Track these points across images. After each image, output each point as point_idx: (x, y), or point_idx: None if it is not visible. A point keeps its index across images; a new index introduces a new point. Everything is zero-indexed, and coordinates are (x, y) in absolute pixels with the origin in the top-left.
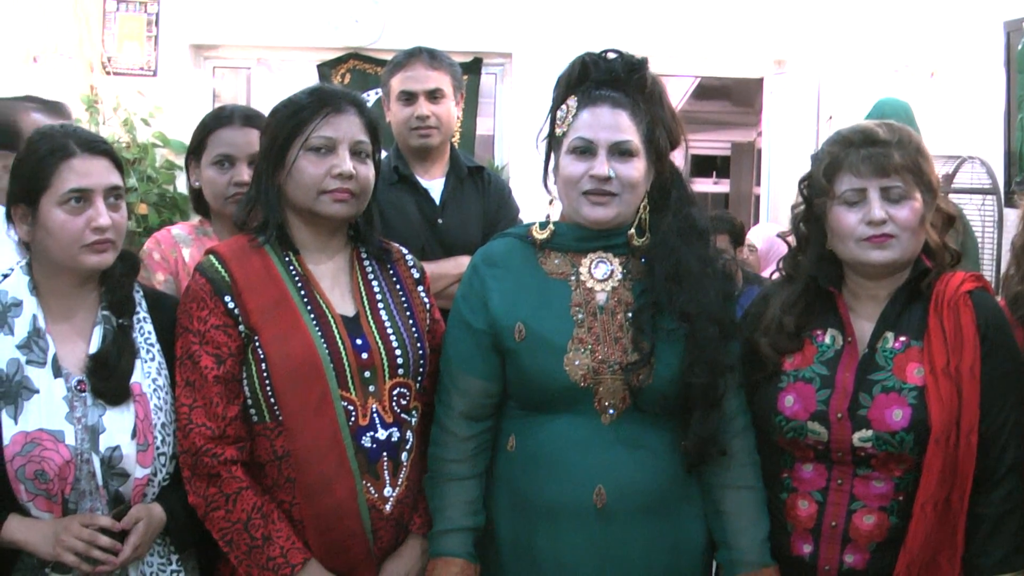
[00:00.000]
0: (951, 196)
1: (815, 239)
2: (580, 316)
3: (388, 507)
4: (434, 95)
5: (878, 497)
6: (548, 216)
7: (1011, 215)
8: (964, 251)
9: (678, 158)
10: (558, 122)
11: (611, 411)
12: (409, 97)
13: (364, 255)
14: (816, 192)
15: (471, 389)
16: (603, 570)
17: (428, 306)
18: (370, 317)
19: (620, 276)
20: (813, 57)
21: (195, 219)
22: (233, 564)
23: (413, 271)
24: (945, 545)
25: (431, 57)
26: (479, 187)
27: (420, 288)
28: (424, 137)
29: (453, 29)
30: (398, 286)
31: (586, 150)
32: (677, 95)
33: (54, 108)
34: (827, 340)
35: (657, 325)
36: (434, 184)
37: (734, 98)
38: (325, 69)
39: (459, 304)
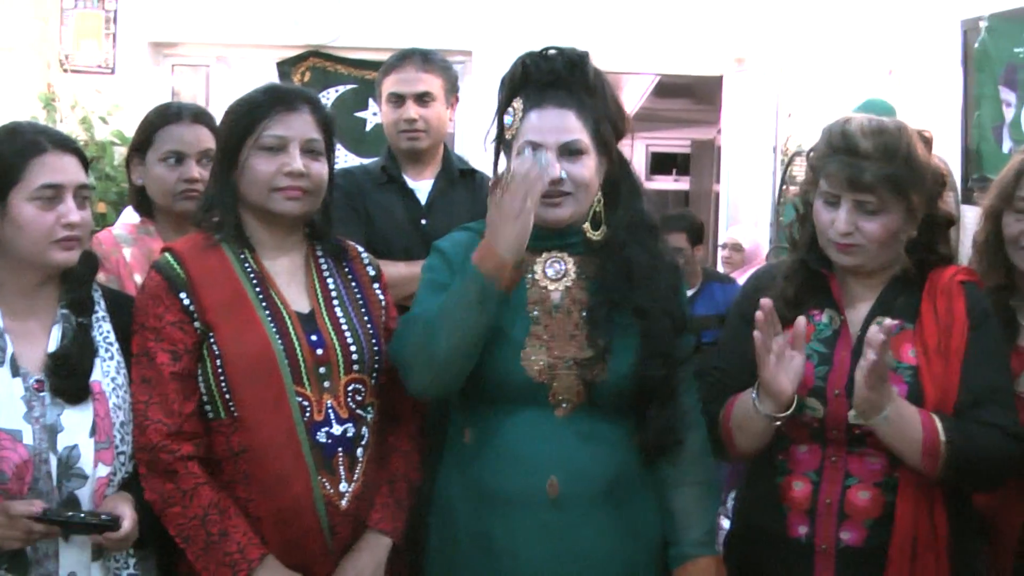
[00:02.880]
0: None
1: (810, 219)
2: (536, 314)
3: (344, 503)
4: (423, 98)
5: (872, 473)
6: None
7: (968, 211)
8: None
9: (639, 155)
10: (506, 125)
11: (564, 404)
12: (398, 99)
13: (320, 253)
14: (809, 178)
15: None
16: (557, 559)
17: (384, 303)
18: (325, 314)
19: (574, 275)
20: (772, 55)
21: (136, 219)
22: (191, 561)
23: (369, 269)
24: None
25: (423, 59)
26: (470, 189)
27: (376, 286)
28: (412, 140)
29: (413, 27)
30: (354, 283)
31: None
32: (638, 93)
33: None
34: (824, 319)
35: (611, 321)
36: (422, 185)
37: (694, 96)
38: (285, 67)
39: (426, 275)
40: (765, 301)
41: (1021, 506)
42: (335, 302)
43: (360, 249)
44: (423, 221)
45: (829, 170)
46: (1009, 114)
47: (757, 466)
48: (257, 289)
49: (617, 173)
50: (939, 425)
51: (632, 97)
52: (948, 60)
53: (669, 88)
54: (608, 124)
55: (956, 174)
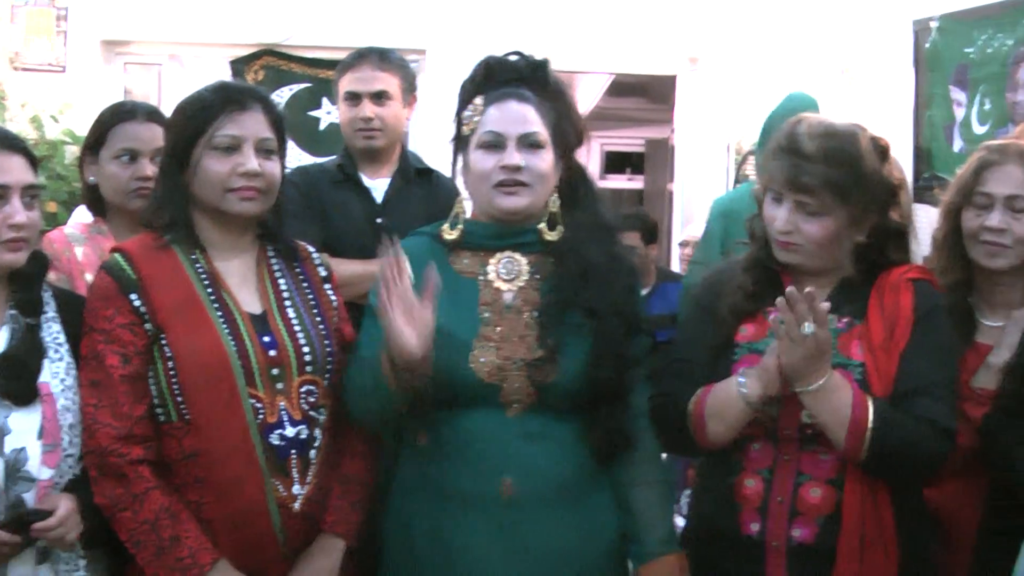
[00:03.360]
0: None
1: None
2: (487, 315)
3: (297, 505)
4: (380, 97)
5: (824, 471)
6: (458, 216)
7: (920, 210)
8: None
9: (593, 154)
10: (465, 121)
11: (515, 404)
12: (355, 98)
13: (271, 253)
14: (759, 174)
15: None
16: (512, 558)
17: (336, 304)
18: (278, 315)
19: (527, 275)
20: (726, 54)
21: (89, 218)
22: (141, 567)
23: (320, 269)
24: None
25: (380, 58)
26: (426, 189)
27: (327, 286)
28: (368, 139)
29: (366, 25)
30: (305, 284)
31: (495, 144)
32: (592, 92)
33: None
34: (778, 303)
35: (564, 321)
36: (378, 184)
37: (649, 95)
38: (238, 65)
39: (372, 299)
40: (791, 290)
41: (976, 504)
42: (287, 303)
43: (311, 250)
44: (379, 220)
45: (772, 168)
46: (960, 114)
47: (710, 464)
48: (209, 290)
49: (575, 177)
50: (870, 409)
51: (586, 96)
52: (900, 60)
53: (623, 87)
54: (568, 126)
55: (908, 173)
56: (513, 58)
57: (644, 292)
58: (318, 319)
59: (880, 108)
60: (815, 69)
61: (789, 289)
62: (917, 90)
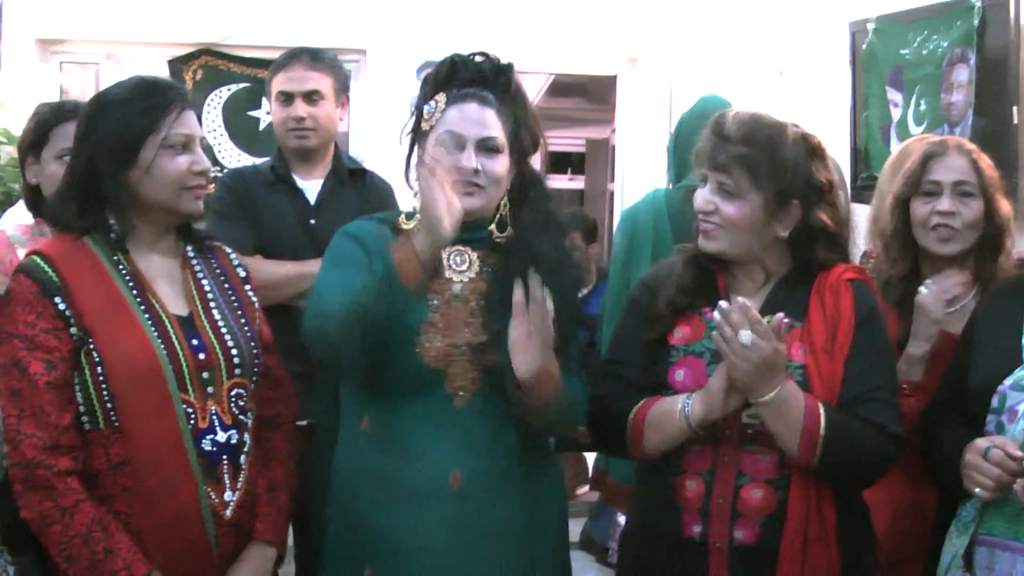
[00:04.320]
0: None
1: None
2: (435, 302)
3: (229, 512)
4: (312, 96)
5: (765, 471)
6: (415, 208)
7: (858, 209)
8: None
9: (535, 155)
10: (425, 117)
11: (461, 392)
12: (287, 98)
13: (192, 254)
14: (679, 172)
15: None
16: (460, 549)
17: (256, 305)
18: (204, 316)
19: (477, 268)
20: (665, 55)
21: (30, 219)
22: None
23: (239, 270)
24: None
25: (312, 58)
26: (360, 189)
27: (247, 287)
28: (301, 139)
29: (306, 25)
30: (226, 285)
31: (454, 144)
32: (532, 92)
33: None
34: (715, 316)
35: (508, 307)
36: (311, 185)
37: (589, 95)
38: (176, 65)
39: (329, 255)
40: (740, 299)
41: (891, 499)
42: (212, 304)
43: (228, 250)
44: (312, 221)
45: (698, 150)
46: (896, 114)
47: (649, 466)
48: (134, 292)
49: (527, 180)
50: (822, 417)
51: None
52: (837, 61)
53: (563, 87)
54: (525, 132)
55: (846, 173)
56: (479, 59)
57: (585, 291)
58: (242, 320)
59: (817, 108)
60: (753, 70)
61: (721, 303)
62: (854, 91)
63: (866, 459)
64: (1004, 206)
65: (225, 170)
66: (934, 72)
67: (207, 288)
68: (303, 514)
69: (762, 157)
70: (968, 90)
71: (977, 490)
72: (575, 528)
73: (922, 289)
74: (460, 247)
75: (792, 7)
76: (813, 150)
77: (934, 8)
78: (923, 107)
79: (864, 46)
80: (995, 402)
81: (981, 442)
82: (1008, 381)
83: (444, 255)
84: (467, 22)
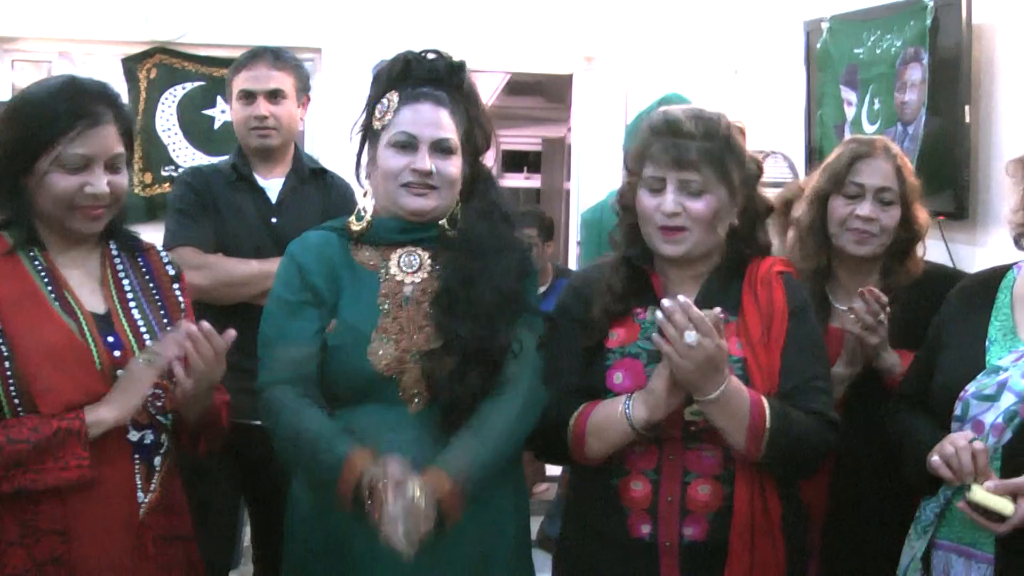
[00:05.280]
0: None
1: (631, 216)
2: (386, 306)
3: (141, 513)
4: (274, 95)
5: (710, 468)
6: (364, 209)
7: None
8: None
9: (489, 152)
10: (377, 115)
11: (416, 400)
12: (249, 97)
13: (115, 251)
14: (632, 171)
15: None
16: (418, 557)
17: (183, 306)
18: (122, 315)
19: (428, 269)
20: (622, 54)
21: None
22: None
23: (168, 268)
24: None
25: (274, 57)
26: (320, 188)
27: (176, 286)
28: (263, 138)
29: (261, 24)
30: (151, 283)
31: (407, 144)
32: (489, 91)
33: None
34: (648, 317)
35: (459, 308)
36: (272, 184)
37: (545, 94)
38: (130, 63)
39: (279, 290)
40: (681, 298)
41: (825, 488)
42: (132, 303)
43: (159, 247)
44: (273, 219)
45: (654, 153)
46: (850, 112)
47: (589, 468)
48: (49, 288)
49: (478, 177)
50: (767, 410)
51: (483, 95)
52: (792, 60)
53: (520, 86)
54: (478, 131)
55: (800, 171)
56: (431, 57)
57: (541, 290)
58: (164, 320)
59: (773, 107)
60: (709, 68)
61: (664, 302)
62: (809, 90)
63: (809, 447)
64: (921, 215)
65: (181, 169)
66: (888, 71)
67: (127, 287)
68: (261, 515)
69: (724, 150)
70: (921, 89)
71: (935, 458)
72: (532, 526)
73: (851, 316)
74: (410, 247)
75: (747, 6)
76: (742, 135)
77: (888, 8)
78: (877, 106)
79: (819, 45)
80: (958, 409)
81: (968, 432)
82: (971, 388)
83: (394, 257)
84: (423, 21)
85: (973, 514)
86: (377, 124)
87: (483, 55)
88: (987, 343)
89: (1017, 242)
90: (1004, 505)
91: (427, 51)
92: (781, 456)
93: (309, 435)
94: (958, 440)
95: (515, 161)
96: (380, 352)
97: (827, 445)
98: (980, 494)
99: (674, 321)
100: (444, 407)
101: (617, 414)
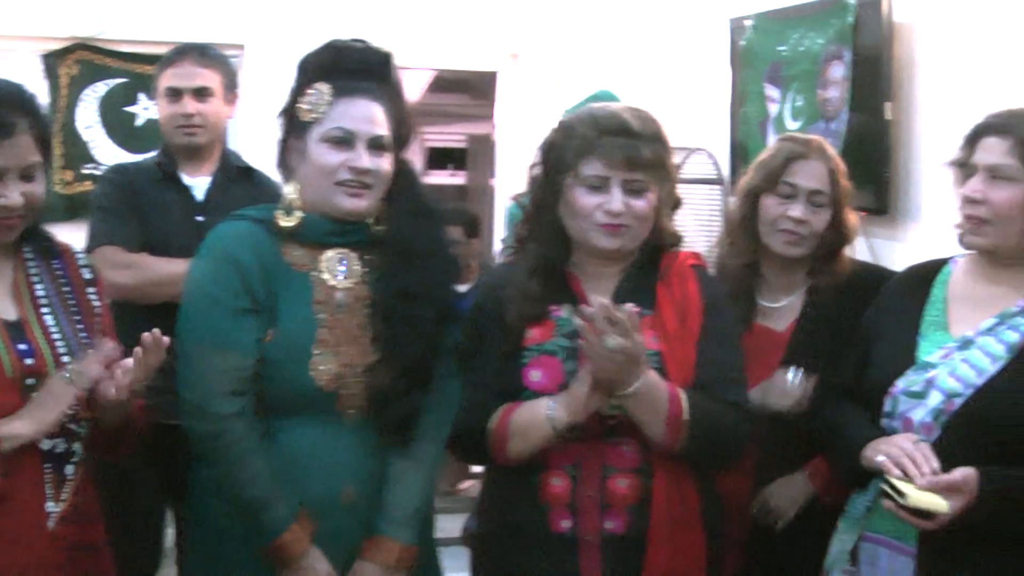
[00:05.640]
0: (681, 186)
1: (548, 213)
2: (322, 315)
3: (51, 524)
4: (201, 93)
5: (629, 461)
6: (291, 202)
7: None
8: None
9: (416, 150)
10: (307, 106)
11: (352, 410)
12: (175, 94)
13: (29, 255)
14: (560, 168)
15: (232, 364)
16: (347, 556)
17: (98, 309)
18: (34, 321)
19: (359, 271)
20: (547, 51)
21: None
22: None
23: (84, 272)
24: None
25: (201, 54)
26: (248, 187)
27: (91, 290)
28: (189, 136)
29: (183, 20)
30: (66, 288)
31: (344, 141)
32: (414, 88)
33: None
34: (563, 314)
35: (394, 316)
36: (199, 182)
37: (471, 91)
38: (51, 60)
39: (213, 290)
40: (601, 300)
41: (748, 480)
42: (45, 309)
43: (75, 250)
44: (200, 218)
45: (602, 150)
46: (773, 109)
47: (506, 466)
48: None
49: (400, 169)
50: (684, 401)
51: (409, 92)
52: (717, 57)
53: (445, 83)
54: (404, 126)
55: (725, 168)
56: (361, 47)
57: (466, 287)
58: (79, 326)
59: (698, 104)
60: (634, 65)
61: (584, 308)
62: (733, 87)
63: (727, 437)
64: (851, 218)
65: (103, 167)
66: (810, 69)
67: (41, 292)
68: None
69: (665, 150)
70: (843, 87)
71: (881, 458)
72: (456, 524)
73: (789, 375)
74: (340, 250)
75: (673, 3)
76: None
77: (811, 7)
78: (800, 103)
79: (743, 43)
80: (888, 405)
81: (913, 436)
82: (900, 384)
83: (324, 259)
84: (348, 17)
85: (902, 513)
86: (308, 116)
87: (409, 52)
88: (918, 338)
89: (960, 240)
90: (939, 504)
91: (355, 40)
92: (699, 447)
93: (254, 492)
94: (903, 443)
95: (440, 158)
96: (322, 367)
97: (745, 435)
98: (915, 498)
99: (596, 325)
100: (383, 422)
101: (539, 417)
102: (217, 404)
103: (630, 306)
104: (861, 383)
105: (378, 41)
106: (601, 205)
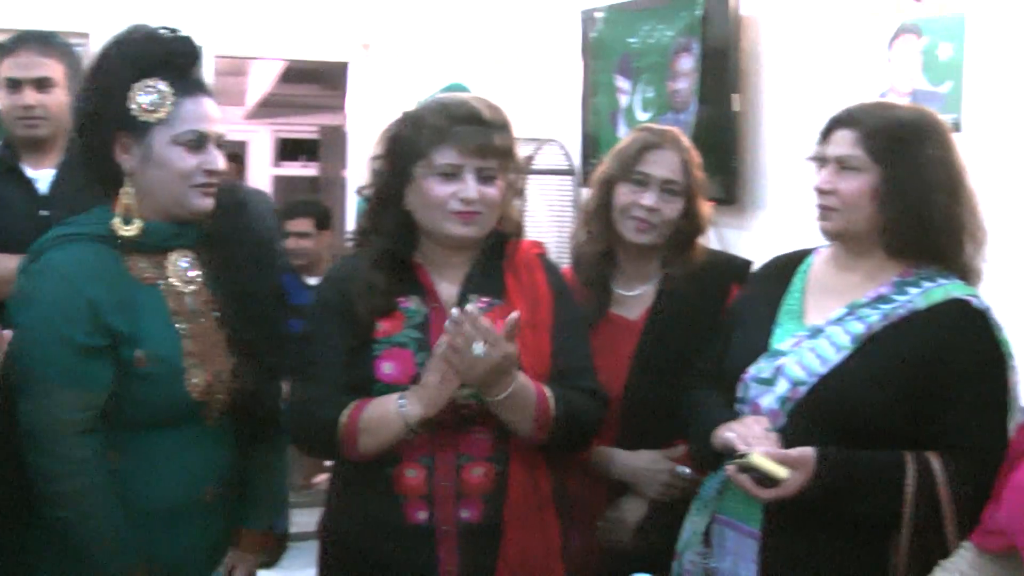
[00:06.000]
0: (533, 177)
1: (394, 204)
2: (182, 326)
3: None
4: (42, 83)
5: (483, 449)
6: (128, 208)
7: (587, 194)
8: None
9: (267, 141)
10: (147, 105)
11: (215, 414)
12: (15, 85)
13: None
14: (410, 158)
15: (85, 403)
16: (213, 558)
17: None
18: None
19: (199, 271)
20: (398, 41)
21: None
22: None
23: None
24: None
25: (43, 43)
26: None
27: None
28: (30, 128)
29: (25, 6)
30: None
31: (198, 143)
32: (265, 78)
33: None
34: (412, 306)
35: (242, 317)
36: (42, 175)
37: (322, 81)
38: None
39: (62, 326)
40: (470, 308)
41: (602, 492)
42: None
43: None
44: (43, 212)
45: (456, 140)
46: (624, 101)
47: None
48: None
49: None
50: (551, 400)
51: (259, 83)
52: (568, 49)
53: (296, 73)
54: None
55: (576, 159)
56: (184, 38)
57: (317, 280)
58: None
59: (550, 96)
60: (486, 56)
61: (454, 312)
62: (584, 78)
63: (587, 425)
64: (704, 208)
65: None
66: (660, 61)
67: None
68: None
69: (511, 139)
70: (692, 78)
71: (726, 433)
72: (310, 519)
73: (680, 469)
74: (179, 252)
75: None
76: None
77: None
78: (650, 95)
79: (594, 35)
80: (740, 391)
81: (764, 420)
82: (751, 371)
83: (168, 264)
84: (194, 5)
85: (739, 477)
86: (149, 116)
87: (260, 42)
88: (773, 326)
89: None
90: (779, 469)
91: (168, 29)
92: (563, 437)
93: (103, 534)
94: (754, 426)
95: (292, 149)
96: (195, 380)
97: (600, 419)
98: (757, 458)
99: (463, 332)
100: (250, 421)
101: (391, 413)
102: (67, 446)
103: (514, 315)
104: (721, 369)
105: (227, 31)
106: (455, 193)
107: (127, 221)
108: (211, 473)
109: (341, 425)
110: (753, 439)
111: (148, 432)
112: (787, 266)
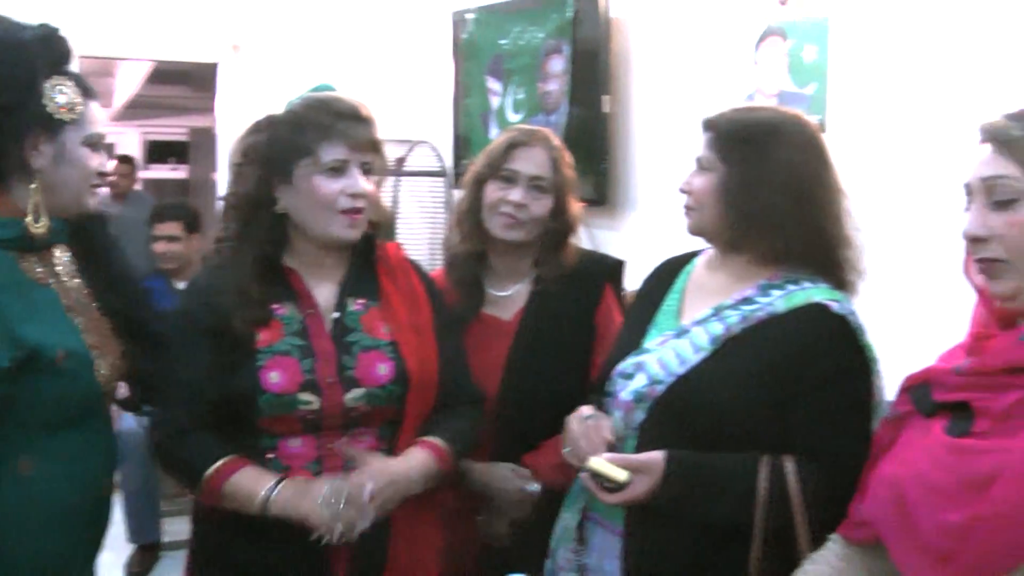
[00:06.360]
0: (405, 178)
1: (266, 209)
2: (79, 320)
3: None
4: None
5: (368, 449)
6: (37, 206)
7: (459, 195)
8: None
9: (135, 143)
10: (63, 104)
11: (109, 402)
12: None
13: None
14: (290, 157)
15: None
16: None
17: None
18: None
19: (68, 262)
20: (268, 42)
21: None
22: None
23: None
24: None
25: None
26: None
27: None
28: None
29: None
30: None
31: (99, 145)
32: (132, 79)
33: None
34: (287, 312)
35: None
36: None
37: (191, 82)
38: None
39: None
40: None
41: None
42: None
43: None
44: None
45: (343, 135)
46: (495, 102)
47: None
48: None
49: None
50: (447, 450)
51: (127, 84)
52: (440, 50)
53: (165, 75)
54: None
55: (448, 160)
56: (63, 36)
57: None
58: None
59: (422, 97)
60: (357, 57)
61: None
62: (456, 80)
63: (476, 440)
64: (574, 207)
65: None
66: (531, 62)
67: None
68: None
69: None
70: (563, 80)
71: (565, 450)
72: (184, 527)
73: (529, 487)
74: (60, 248)
75: None
76: None
77: (532, 1)
78: (521, 96)
79: (465, 36)
80: (609, 386)
81: (586, 409)
82: (620, 366)
83: (55, 260)
84: (59, 3)
85: (590, 483)
86: (66, 115)
87: (127, 43)
88: (650, 325)
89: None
90: (619, 473)
91: (51, 27)
92: (461, 453)
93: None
94: (572, 423)
95: (161, 151)
96: (102, 371)
97: (483, 424)
98: (596, 462)
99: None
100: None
101: (256, 496)
102: None
103: (370, 487)
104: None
105: (96, 31)
106: (344, 189)
107: (38, 219)
108: (110, 466)
109: (206, 478)
110: (590, 447)
111: (56, 433)
112: (675, 267)
